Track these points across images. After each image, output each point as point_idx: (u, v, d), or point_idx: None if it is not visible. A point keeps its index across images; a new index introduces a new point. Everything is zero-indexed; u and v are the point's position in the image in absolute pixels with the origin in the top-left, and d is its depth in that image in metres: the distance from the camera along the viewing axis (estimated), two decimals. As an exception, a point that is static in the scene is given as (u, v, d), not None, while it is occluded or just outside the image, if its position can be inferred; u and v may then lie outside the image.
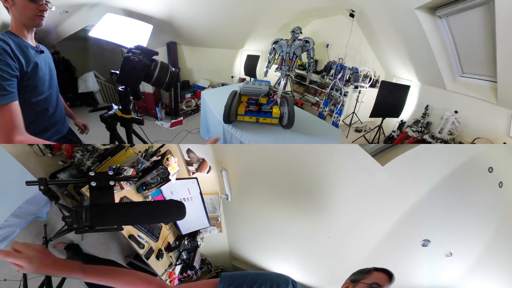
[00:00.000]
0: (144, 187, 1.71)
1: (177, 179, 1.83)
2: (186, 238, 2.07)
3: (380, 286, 0.97)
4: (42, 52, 1.27)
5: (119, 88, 1.40)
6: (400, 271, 1.82)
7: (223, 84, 4.81)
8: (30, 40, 1.23)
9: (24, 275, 1.55)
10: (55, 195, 1.11)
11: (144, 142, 1.74)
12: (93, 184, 0.97)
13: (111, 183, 0.98)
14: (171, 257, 1.96)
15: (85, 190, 1.51)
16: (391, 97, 3.38)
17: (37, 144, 1.74)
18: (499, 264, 1.77)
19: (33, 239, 1.80)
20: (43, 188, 0.97)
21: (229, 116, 2.12)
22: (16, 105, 1.03)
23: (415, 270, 1.80)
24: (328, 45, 4.94)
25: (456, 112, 2.83)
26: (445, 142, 2.81)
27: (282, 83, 3.74)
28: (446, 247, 1.72)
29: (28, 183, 0.96)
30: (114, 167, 1.52)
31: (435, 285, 1.81)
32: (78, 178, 1.65)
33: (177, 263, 1.96)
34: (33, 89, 1.19)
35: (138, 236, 1.70)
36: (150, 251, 1.75)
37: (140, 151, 1.67)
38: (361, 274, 1.03)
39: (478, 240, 1.73)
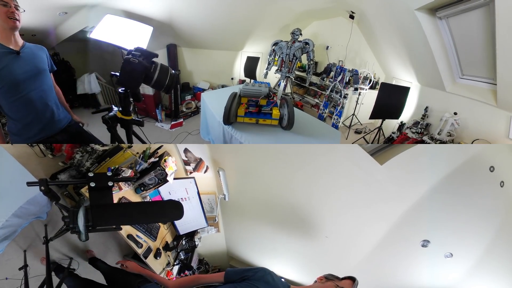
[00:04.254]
0: (142, 188, 1.72)
1: (175, 178, 1.84)
2: (184, 238, 2.08)
3: None
4: (18, 53, 1.35)
5: (119, 90, 1.41)
6: (400, 271, 1.82)
7: (223, 86, 4.82)
8: (13, 43, 1.35)
9: (25, 274, 1.56)
10: (55, 195, 1.13)
11: (144, 143, 1.76)
12: (92, 184, 0.98)
13: (110, 183, 1.00)
14: (169, 256, 1.97)
15: (85, 190, 1.52)
16: (391, 99, 3.38)
17: (38, 145, 1.76)
18: (501, 264, 1.77)
19: (33, 239, 1.82)
20: (43, 188, 0.98)
21: (229, 118, 2.12)
22: None
23: (415, 270, 1.79)
24: (328, 47, 4.95)
25: (455, 113, 2.82)
26: (444, 143, 2.81)
27: (282, 84, 3.75)
28: (446, 247, 1.72)
29: (29, 183, 0.98)
30: (112, 168, 1.53)
31: (436, 286, 1.81)
32: (77, 179, 1.67)
33: (175, 263, 1.97)
34: (4, 93, 1.32)
35: (137, 235, 1.72)
36: (148, 250, 1.76)
37: (138, 152, 1.68)
38: (333, 277, 1.24)
39: (479, 240, 1.72)
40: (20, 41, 1.40)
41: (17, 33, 1.37)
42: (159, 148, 1.82)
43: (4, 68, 1.30)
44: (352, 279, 1.22)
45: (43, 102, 1.46)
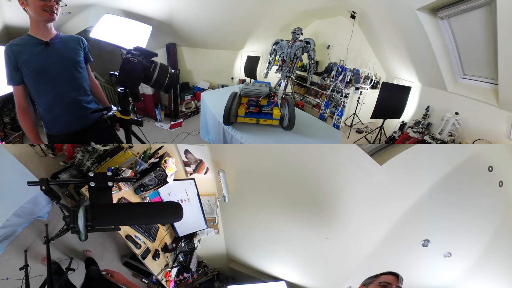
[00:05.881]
0: (142, 189, 1.72)
1: (174, 180, 1.84)
2: (183, 240, 2.07)
3: (390, 284, 1.12)
4: (47, 44, 1.36)
5: (118, 90, 1.41)
6: (402, 271, 1.81)
7: (223, 86, 4.82)
8: (43, 34, 1.36)
9: (26, 275, 1.57)
10: (56, 195, 1.13)
11: (143, 142, 1.75)
12: (92, 184, 0.98)
13: (110, 184, 1.00)
14: (167, 257, 1.96)
15: (85, 190, 1.52)
16: (392, 98, 3.37)
17: (39, 145, 1.76)
18: (499, 264, 1.76)
19: (34, 238, 1.82)
20: (44, 188, 0.98)
21: (229, 118, 2.12)
22: (17, 88, 1.38)
23: (416, 270, 1.79)
24: (329, 46, 4.94)
25: (456, 113, 2.82)
26: (445, 143, 2.80)
27: (283, 84, 3.74)
28: (446, 247, 1.71)
29: (30, 183, 0.98)
30: (112, 168, 1.53)
31: (435, 286, 1.80)
32: (78, 179, 1.67)
33: (174, 265, 1.96)
34: (30, 79, 1.36)
35: (135, 236, 1.71)
36: (147, 251, 1.75)
37: (138, 153, 1.68)
38: (371, 278, 1.18)
39: (477, 240, 1.72)
40: (53, 32, 1.40)
41: (50, 25, 1.36)
42: (160, 148, 1.82)
43: (30, 58, 1.31)
44: (395, 275, 1.17)
45: (71, 96, 1.45)
